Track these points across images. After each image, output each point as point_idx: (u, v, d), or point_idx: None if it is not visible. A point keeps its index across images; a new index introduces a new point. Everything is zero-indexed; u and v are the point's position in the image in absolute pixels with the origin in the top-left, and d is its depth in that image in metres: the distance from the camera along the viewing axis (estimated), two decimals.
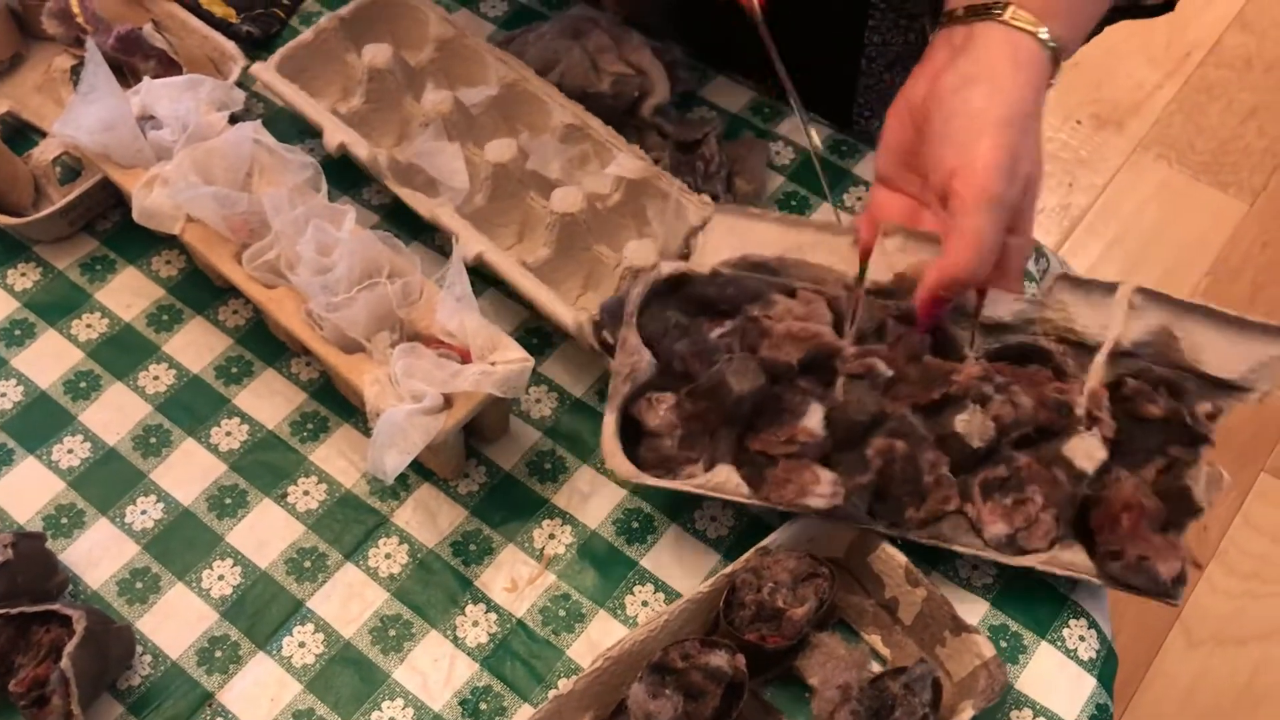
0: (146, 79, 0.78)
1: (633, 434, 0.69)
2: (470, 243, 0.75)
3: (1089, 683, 0.68)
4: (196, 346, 0.79)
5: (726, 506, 0.73)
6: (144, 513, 0.72)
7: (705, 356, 0.68)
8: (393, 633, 0.69)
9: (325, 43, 0.86)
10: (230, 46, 0.87)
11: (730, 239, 0.71)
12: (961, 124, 0.66)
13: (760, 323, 0.69)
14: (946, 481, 0.67)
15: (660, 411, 0.68)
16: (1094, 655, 0.68)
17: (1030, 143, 0.66)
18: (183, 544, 0.72)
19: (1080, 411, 0.68)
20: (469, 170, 0.80)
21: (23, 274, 0.81)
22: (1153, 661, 1.54)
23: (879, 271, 0.70)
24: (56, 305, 0.80)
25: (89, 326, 0.79)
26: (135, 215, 0.75)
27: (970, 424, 0.67)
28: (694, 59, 0.89)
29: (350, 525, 0.72)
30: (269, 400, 0.77)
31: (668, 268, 0.70)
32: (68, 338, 0.79)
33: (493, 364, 0.68)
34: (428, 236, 0.83)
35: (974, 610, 0.69)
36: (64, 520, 0.72)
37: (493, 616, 0.69)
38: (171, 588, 0.70)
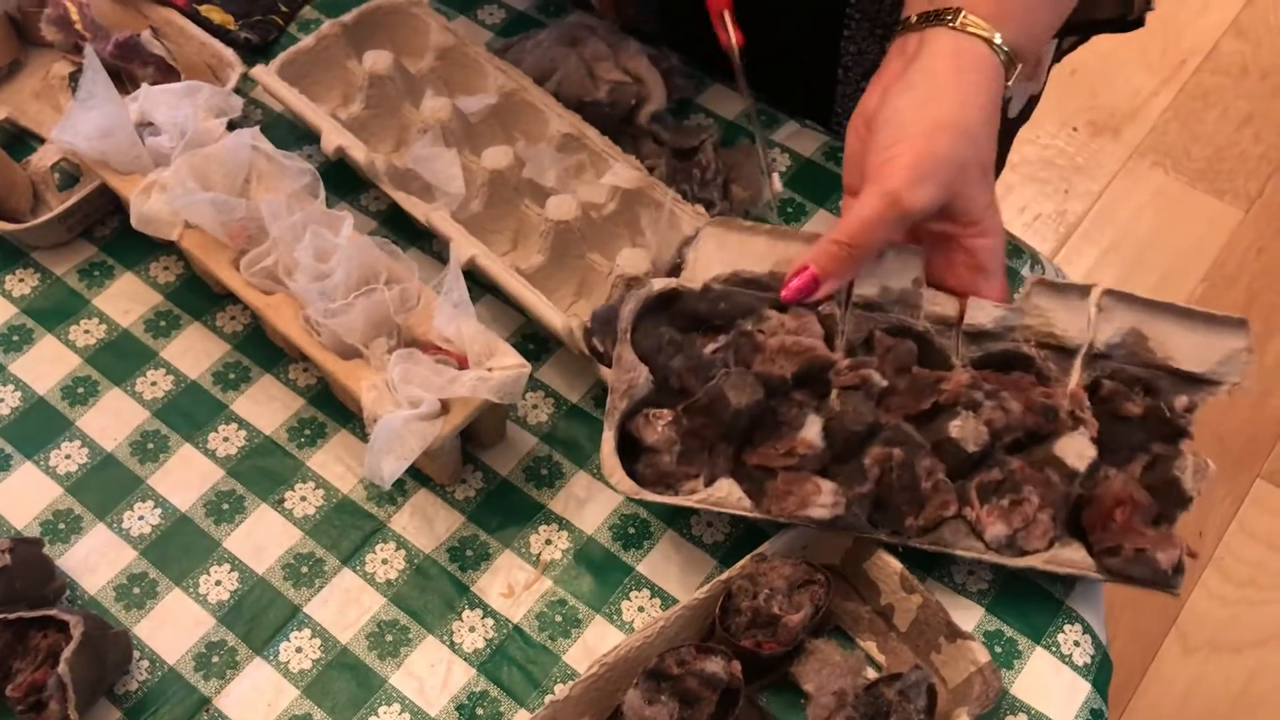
0: (145, 85, 0.79)
1: (631, 450, 0.69)
2: (464, 247, 0.76)
3: (1084, 688, 0.68)
4: (194, 352, 0.79)
5: (722, 513, 0.73)
6: (142, 518, 0.73)
7: (701, 372, 0.68)
8: (390, 638, 0.69)
9: (327, 49, 0.86)
10: (228, 53, 0.87)
11: (721, 253, 0.71)
12: (890, 131, 0.67)
13: (753, 337, 0.69)
14: (944, 487, 0.67)
15: (658, 427, 0.68)
16: (1089, 661, 0.69)
17: (965, 148, 0.66)
18: (180, 549, 0.72)
19: (1064, 414, 0.68)
20: (465, 177, 0.80)
21: (21, 280, 0.82)
22: (1149, 667, 1.55)
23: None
24: (54, 311, 0.80)
25: (87, 332, 0.79)
26: (133, 221, 0.75)
27: (964, 429, 0.67)
28: (690, 66, 0.90)
29: (347, 531, 0.72)
30: (267, 406, 0.77)
31: (659, 284, 0.70)
32: (66, 343, 0.79)
33: (489, 370, 0.68)
34: (425, 243, 0.84)
35: (969, 616, 0.70)
36: (62, 526, 0.72)
37: (489, 622, 0.70)
38: (169, 593, 0.70)
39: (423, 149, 0.80)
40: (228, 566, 0.71)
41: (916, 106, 0.67)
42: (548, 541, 0.72)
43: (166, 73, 0.86)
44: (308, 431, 0.76)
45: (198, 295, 0.81)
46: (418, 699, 0.67)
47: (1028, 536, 0.67)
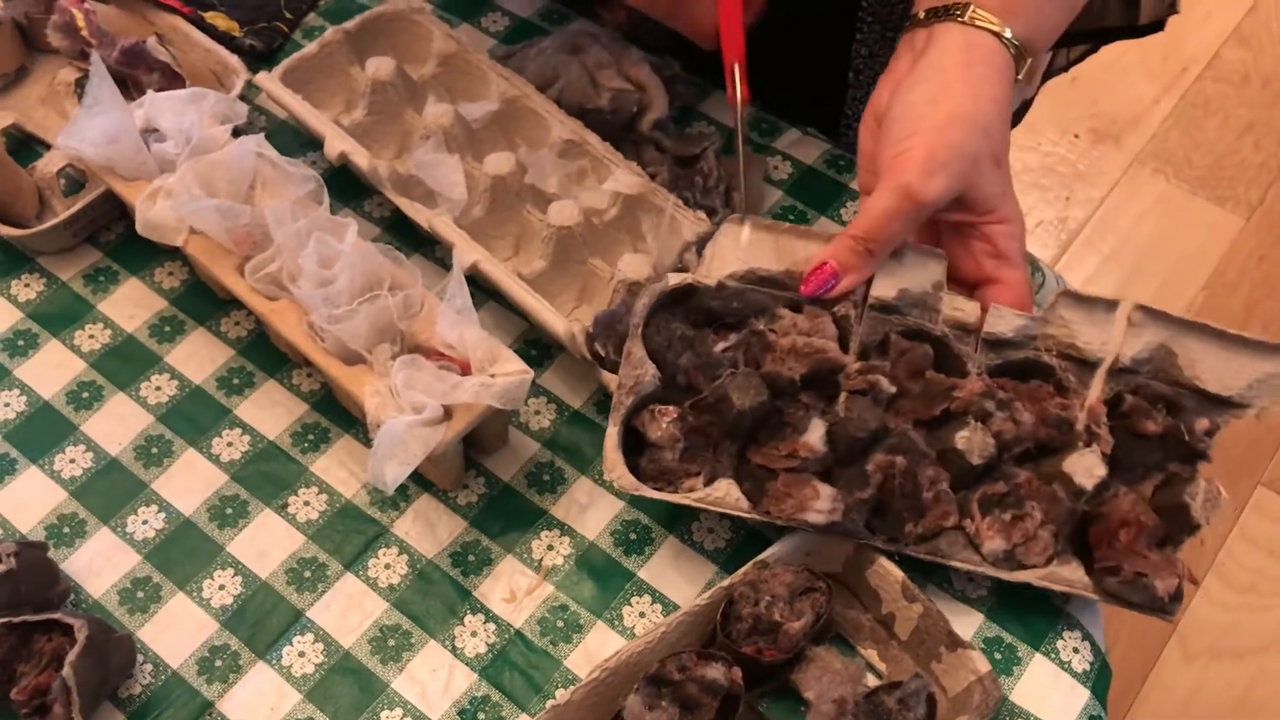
0: (150, 92, 0.79)
1: (635, 445, 0.70)
2: (466, 252, 0.76)
3: (1083, 695, 0.68)
4: (198, 357, 0.79)
5: (724, 519, 0.73)
6: (145, 522, 0.73)
7: (709, 370, 0.68)
8: (392, 643, 0.69)
9: (329, 56, 0.87)
10: (233, 60, 0.88)
11: (738, 250, 0.72)
12: (903, 126, 0.67)
13: (765, 337, 0.70)
14: (946, 497, 0.68)
15: (663, 424, 0.68)
16: (1088, 667, 0.69)
17: (978, 139, 0.67)
18: (184, 554, 0.72)
19: (1080, 427, 0.68)
20: (468, 183, 0.81)
21: (26, 285, 0.82)
22: (1149, 674, 1.55)
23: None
24: (59, 316, 0.81)
25: (91, 337, 0.80)
26: (138, 227, 0.76)
27: (971, 441, 0.67)
28: (693, 74, 0.90)
29: (350, 535, 0.73)
30: (270, 411, 0.77)
31: (674, 279, 0.70)
32: (70, 348, 0.79)
33: (492, 376, 0.68)
34: (429, 249, 0.84)
35: (968, 622, 0.70)
36: (66, 530, 0.73)
37: (491, 627, 0.70)
38: (172, 597, 0.71)
39: (425, 155, 0.81)
40: (231, 571, 0.71)
41: (928, 100, 0.67)
42: (549, 547, 0.73)
43: (172, 79, 0.86)
44: (311, 437, 0.76)
45: (202, 301, 0.82)
46: (420, 703, 0.67)
47: (1027, 552, 0.67)
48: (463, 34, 0.92)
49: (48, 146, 0.86)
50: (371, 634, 0.69)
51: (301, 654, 0.69)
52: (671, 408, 0.69)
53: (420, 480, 0.75)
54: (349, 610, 0.70)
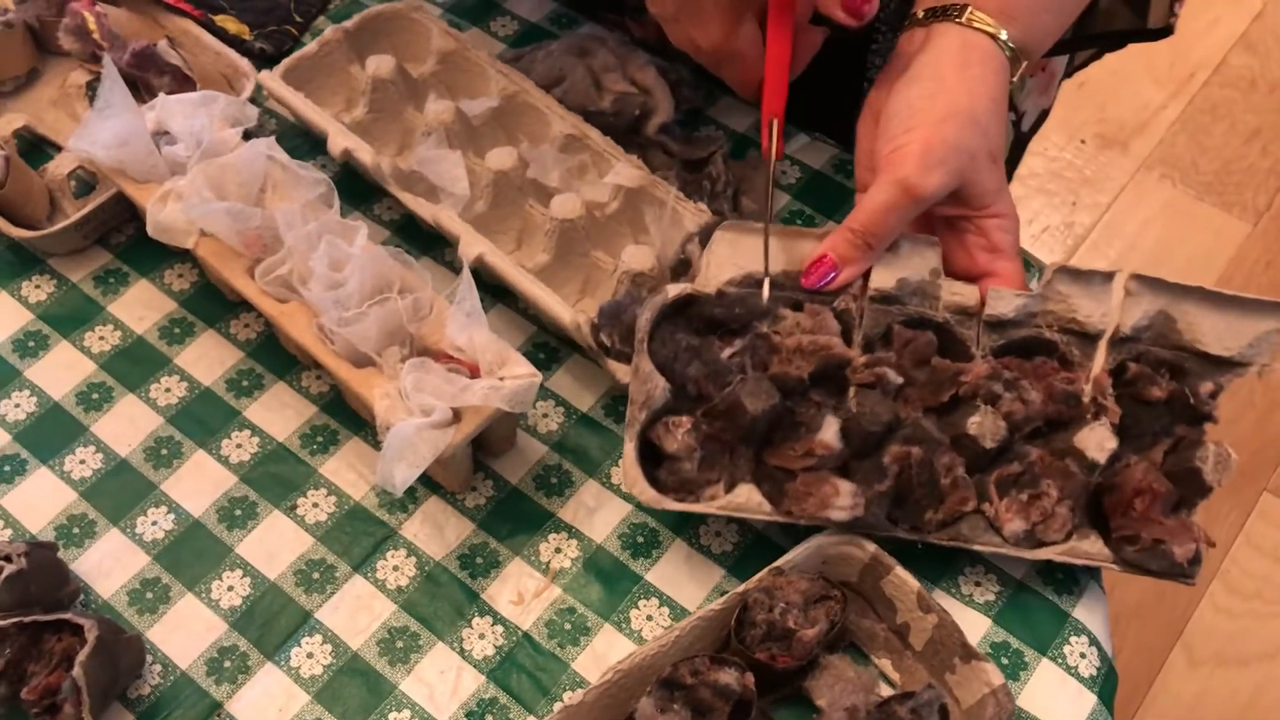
0: (161, 95, 0.79)
1: (651, 458, 0.70)
2: (472, 245, 0.77)
3: (1090, 700, 0.68)
4: (208, 359, 0.80)
5: (731, 522, 0.74)
6: (155, 523, 0.73)
7: (718, 378, 0.68)
8: (400, 644, 0.69)
9: (329, 55, 0.87)
10: (244, 63, 0.88)
11: (734, 256, 0.72)
12: (900, 121, 0.69)
13: (769, 339, 0.70)
14: (963, 482, 0.68)
15: (678, 435, 0.68)
16: (1095, 672, 0.69)
17: (975, 136, 0.68)
18: (193, 555, 0.72)
19: (1087, 400, 0.69)
20: (470, 178, 0.81)
21: (37, 286, 0.82)
22: (1154, 680, 1.55)
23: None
24: (70, 317, 0.81)
25: (101, 339, 0.80)
26: (149, 230, 0.76)
27: (983, 425, 0.67)
28: (700, 78, 0.90)
29: (359, 537, 0.73)
30: (279, 413, 0.78)
31: (674, 290, 0.71)
32: (80, 349, 0.80)
33: (501, 379, 0.69)
34: (438, 252, 0.84)
35: (976, 627, 0.70)
36: (76, 530, 0.73)
37: (499, 629, 0.70)
38: (181, 598, 0.71)
39: (427, 151, 0.81)
40: (240, 572, 0.72)
41: (925, 96, 0.68)
42: (557, 550, 0.73)
43: (182, 82, 0.86)
44: (320, 439, 0.77)
45: (212, 303, 0.82)
46: (428, 705, 0.67)
47: (1046, 529, 0.67)
48: (472, 38, 0.93)
49: (59, 148, 0.87)
50: (380, 636, 0.70)
51: (310, 655, 0.69)
52: (685, 418, 0.69)
53: (429, 482, 0.75)
54: (357, 612, 0.70)
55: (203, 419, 0.77)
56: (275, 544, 0.73)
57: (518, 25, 0.97)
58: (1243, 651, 1.57)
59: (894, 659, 0.69)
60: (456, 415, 0.68)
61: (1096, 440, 0.68)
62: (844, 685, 0.65)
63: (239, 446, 0.76)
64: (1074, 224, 1.96)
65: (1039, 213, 1.97)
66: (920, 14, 0.72)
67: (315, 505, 0.74)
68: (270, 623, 0.70)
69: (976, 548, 0.68)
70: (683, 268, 0.77)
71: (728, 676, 0.62)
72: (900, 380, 0.69)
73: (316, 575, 0.71)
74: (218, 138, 0.77)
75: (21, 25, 0.89)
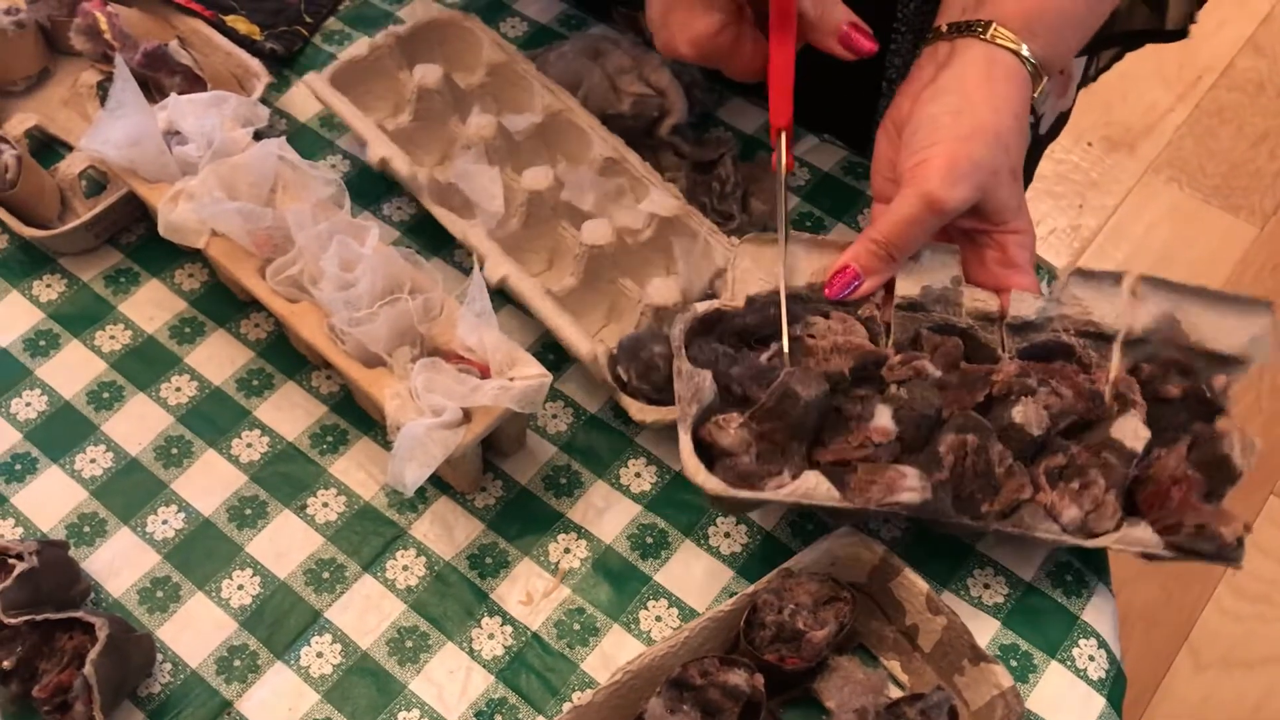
0: (172, 95, 0.80)
1: (701, 459, 0.68)
2: (498, 266, 0.76)
3: (1098, 702, 0.68)
4: (218, 359, 0.80)
5: (740, 523, 0.74)
6: (165, 522, 0.73)
7: (761, 378, 0.68)
8: (409, 644, 0.70)
9: (379, 60, 0.87)
10: (254, 64, 0.88)
11: (757, 270, 0.72)
12: (925, 135, 0.69)
13: (804, 341, 0.70)
14: (1019, 471, 0.68)
15: (731, 430, 0.67)
16: (1103, 675, 0.69)
17: (998, 153, 0.69)
18: (203, 554, 0.72)
19: (1109, 400, 0.70)
20: (506, 194, 0.81)
21: (48, 285, 0.83)
22: (1160, 684, 1.54)
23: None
24: (81, 317, 0.81)
25: (112, 338, 0.80)
26: (160, 229, 0.76)
27: (1027, 414, 0.67)
28: (711, 80, 0.91)
29: (368, 537, 0.73)
30: (289, 413, 0.78)
31: (702, 307, 0.70)
32: (91, 349, 0.80)
33: (511, 379, 0.69)
34: (448, 253, 0.84)
35: (985, 629, 0.70)
36: (87, 529, 0.73)
37: (508, 629, 0.70)
38: (191, 597, 0.71)
39: (466, 165, 0.81)
40: (250, 571, 0.72)
41: (950, 112, 0.69)
42: (566, 550, 0.73)
43: (193, 82, 0.87)
44: (330, 438, 0.77)
45: (222, 302, 0.82)
46: (437, 705, 0.68)
47: (1098, 518, 0.67)
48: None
49: (70, 148, 0.87)
50: (389, 635, 0.70)
51: (320, 655, 0.69)
52: (734, 414, 0.68)
53: (438, 483, 0.75)
54: (367, 611, 0.71)
55: (213, 418, 0.77)
56: (285, 543, 0.73)
57: (527, 26, 0.97)
58: (1249, 655, 1.57)
59: (903, 661, 0.69)
60: (467, 415, 0.68)
61: (1132, 429, 0.68)
62: (853, 687, 0.65)
63: (249, 446, 0.76)
64: (1081, 227, 1.96)
65: (1045, 216, 1.97)
66: (944, 28, 0.72)
67: (325, 505, 0.74)
68: (280, 622, 0.70)
69: (1039, 535, 0.67)
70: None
71: (737, 677, 0.62)
72: (938, 372, 0.69)
73: (326, 575, 0.72)
74: (229, 138, 0.77)
75: (33, 25, 0.89)
